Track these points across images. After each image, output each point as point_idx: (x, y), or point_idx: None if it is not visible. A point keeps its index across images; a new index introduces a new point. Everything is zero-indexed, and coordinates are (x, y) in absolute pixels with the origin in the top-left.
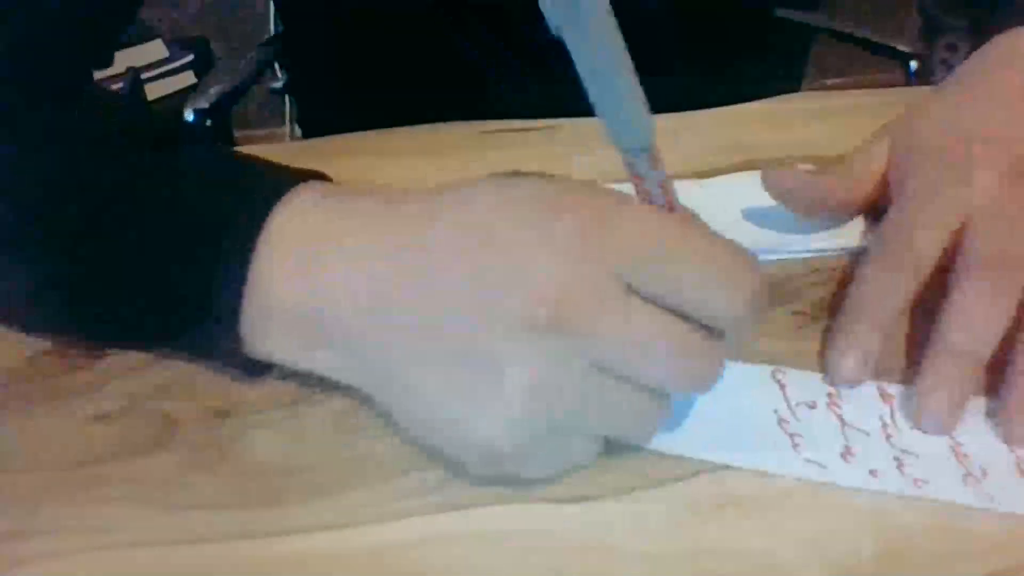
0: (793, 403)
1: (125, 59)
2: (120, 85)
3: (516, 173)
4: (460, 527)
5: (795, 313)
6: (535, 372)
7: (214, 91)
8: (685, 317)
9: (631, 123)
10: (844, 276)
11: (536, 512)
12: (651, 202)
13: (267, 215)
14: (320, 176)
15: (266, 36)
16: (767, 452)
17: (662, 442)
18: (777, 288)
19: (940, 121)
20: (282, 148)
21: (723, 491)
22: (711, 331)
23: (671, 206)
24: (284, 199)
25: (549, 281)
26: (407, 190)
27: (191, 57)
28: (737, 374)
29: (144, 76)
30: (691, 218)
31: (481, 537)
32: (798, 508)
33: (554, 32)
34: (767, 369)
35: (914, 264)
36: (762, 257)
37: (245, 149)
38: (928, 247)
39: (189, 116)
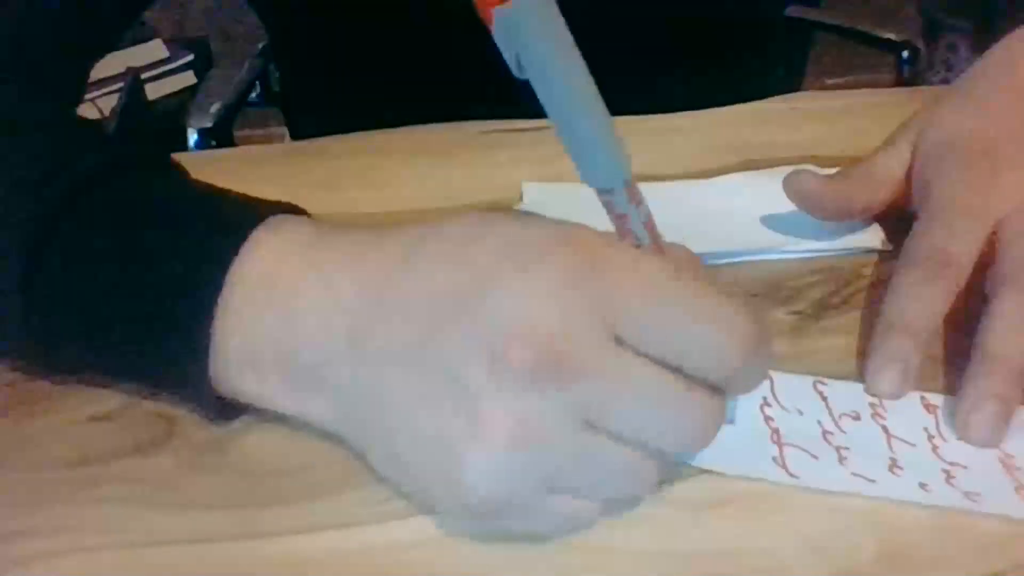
0: (837, 415)
1: (125, 59)
2: (120, 85)
3: (494, 211)
4: (460, 527)
5: (795, 313)
6: (520, 420)
7: (215, 108)
8: (678, 370)
9: (604, 160)
10: (844, 276)
11: None
12: (635, 242)
13: (237, 249)
14: (294, 209)
15: (261, 44)
16: (814, 467)
17: (704, 459)
18: (777, 288)
19: (962, 123)
20: (282, 148)
21: (723, 491)
22: (707, 384)
23: (659, 247)
24: (253, 235)
25: (539, 326)
26: (387, 226)
27: (191, 57)
28: (777, 386)
29: (144, 76)
30: (687, 257)
31: (481, 537)
32: (798, 508)
33: (510, 66)
34: (808, 380)
35: (951, 274)
36: (762, 257)
37: (244, 149)
38: (963, 256)
39: (192, 137)
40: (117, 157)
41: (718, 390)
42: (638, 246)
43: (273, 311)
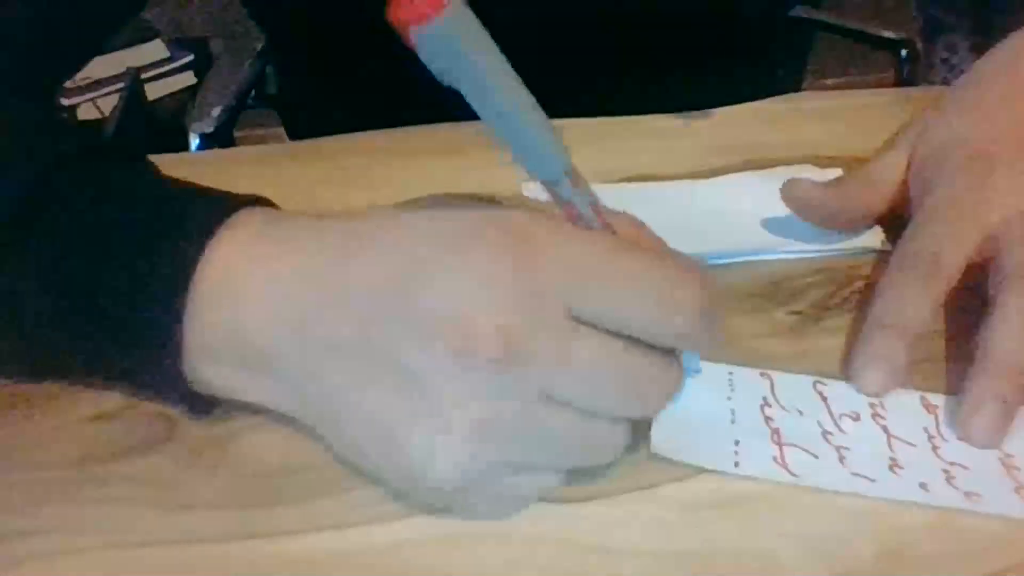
0: (837, 415)
1: (125, 59)
2: (120, 85)
3: (449, 196)
4: (460, 527)
5: (795, 313)
6: (478, 409)
7: (216, 112)
8: (633, 339)
9: (542, 154)
10: (844, 276)
11: (536, 513)
12: (585, 224)
13: (201, 250)
14: (260, 200)
15: (261, 45)
16: (814, 466)
17: (704, 460)
18: (777, 288)
19: (960, 125)
20: (281, 148)
21: (722, 491)
22: (658, 348)
23: (607, 224)
24: (217, 233)
25: (485, 313)
26: (340, 214)
27: (191, 57)
28: (777, 386)
29: (144, 76)
30: (630, 222)
31: (481, 537)
32: (798, 508)
33: (439, 78)
34: (808, 380)
35: (938, 278)
36: (762, 257)
37: (245, 149)
38: (952, 260)
39: (195, 142)
40: (84, 146)
41: (671, 353)
42: (589, 227)
43: (227, 305)
